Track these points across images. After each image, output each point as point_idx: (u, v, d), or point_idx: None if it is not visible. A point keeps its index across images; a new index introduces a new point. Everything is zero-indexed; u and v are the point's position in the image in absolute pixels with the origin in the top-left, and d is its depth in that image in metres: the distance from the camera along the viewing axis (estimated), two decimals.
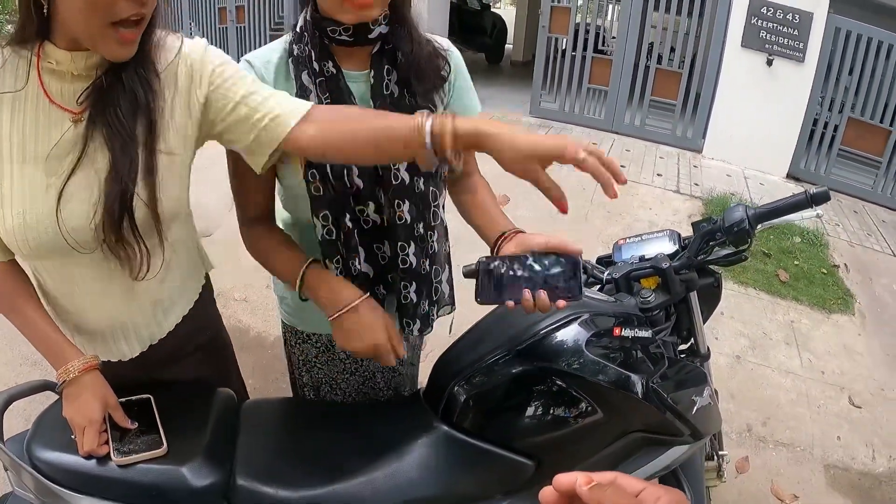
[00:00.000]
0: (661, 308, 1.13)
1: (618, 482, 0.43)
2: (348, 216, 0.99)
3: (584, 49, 5.57)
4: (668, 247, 1.22)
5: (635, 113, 5.44)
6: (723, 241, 1.15)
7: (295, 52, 0.99)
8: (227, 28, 7.28)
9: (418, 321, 1.09)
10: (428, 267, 1.07)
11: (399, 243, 1.02)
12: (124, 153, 0.83)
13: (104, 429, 0.93)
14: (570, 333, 1.03)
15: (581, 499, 0.42)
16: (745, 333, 2.83)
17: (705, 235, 1.14)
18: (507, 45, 10.58)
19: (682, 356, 1.30)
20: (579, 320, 1.04)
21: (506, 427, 1.04)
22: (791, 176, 4.93)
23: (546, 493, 0.45)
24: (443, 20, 7.59)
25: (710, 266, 1.22)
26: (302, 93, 0.96)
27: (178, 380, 1.13)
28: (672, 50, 5.35)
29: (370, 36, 0.96)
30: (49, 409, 1.01)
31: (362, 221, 1.01)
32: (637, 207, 4.02)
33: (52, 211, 0.82)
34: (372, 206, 1.00)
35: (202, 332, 1.16)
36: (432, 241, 1.06)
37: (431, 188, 1.03)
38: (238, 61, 0.97)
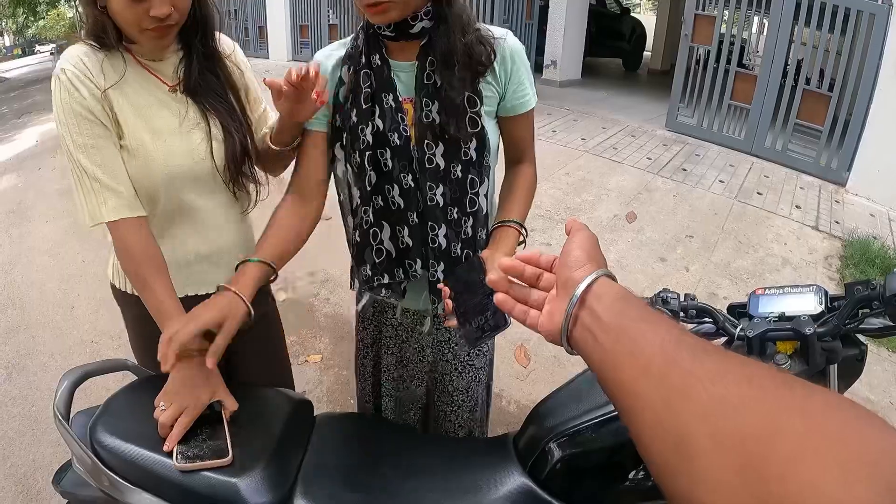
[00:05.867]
0: None
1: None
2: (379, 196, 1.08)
3: (728, 62, 5.20)
4: (813, 305, 1.04)
5: (777, 136, 4.99)
6: (879, 311, 1.03)
7: (349, 49, 1.08)
8: None
9: None
10: (459, 251, 1.10)
11: (429, 223, 1.07)
12: (232, 118, 1.08)
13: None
14: None
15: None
16: (871, 401, 2.46)
17: (860, 302, 0.97)
18: (645, 52, 10.16)
19: None
20: None
21: (597, 495, 0.93)
22: None
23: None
24: (580, 24, 7.42)
25: (857, 335, 1.05)
26: (339, 85, 1.07)
27: (254, 382, 1.16)
28: (821, 71, 4.80)
29: (411, 31, 1.01)
30: (120, 393, 0.98)
31: (390, 201, 1.07)
32: (771, 241, 3.67)
33: (191, 153, 1.05)
34: (397, 189, 1.06)
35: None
36: (467, 227, 1.09)
37: (471, 176, 1.06)
38: None
